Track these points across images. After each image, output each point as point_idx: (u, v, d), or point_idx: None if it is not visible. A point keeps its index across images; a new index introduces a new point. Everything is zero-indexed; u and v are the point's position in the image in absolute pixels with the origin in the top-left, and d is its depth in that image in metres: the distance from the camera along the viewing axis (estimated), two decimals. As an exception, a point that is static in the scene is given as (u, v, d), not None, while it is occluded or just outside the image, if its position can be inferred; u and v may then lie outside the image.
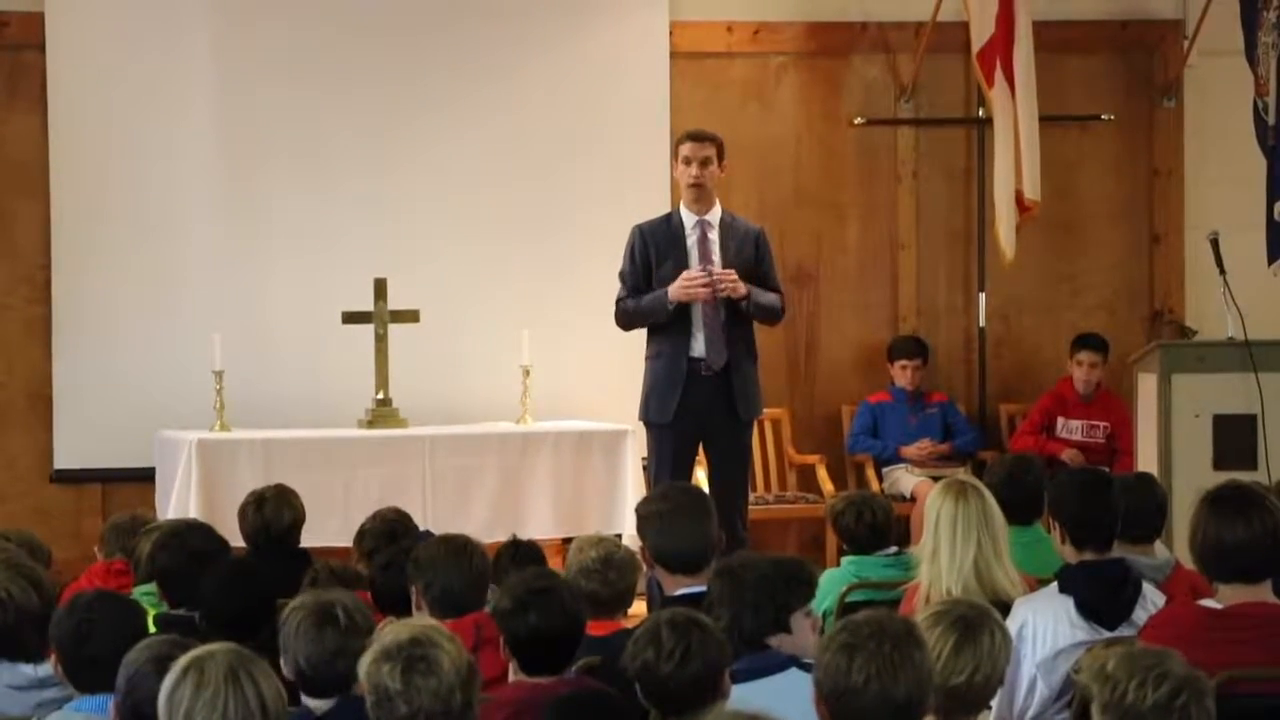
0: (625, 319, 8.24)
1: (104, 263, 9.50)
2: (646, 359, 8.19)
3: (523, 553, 5.82)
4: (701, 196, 8.14)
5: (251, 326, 9.46)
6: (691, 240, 8.15)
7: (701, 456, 8.27)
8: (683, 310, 8.03)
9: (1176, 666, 3.63)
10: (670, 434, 8.05)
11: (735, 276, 8.01)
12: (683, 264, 8.09)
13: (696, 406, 8.02)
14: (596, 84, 9.90)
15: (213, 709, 3.39)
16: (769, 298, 8.14)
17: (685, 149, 8.17)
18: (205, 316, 9.33)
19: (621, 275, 8.23)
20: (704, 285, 7.97)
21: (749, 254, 8.16)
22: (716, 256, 8.12)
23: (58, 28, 9.47)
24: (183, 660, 3.46)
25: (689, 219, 8.18)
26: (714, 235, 8.15)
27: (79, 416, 9.48)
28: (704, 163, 8.11)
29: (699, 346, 8.05)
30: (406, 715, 3.72)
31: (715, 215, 8.19)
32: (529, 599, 4.46)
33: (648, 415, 8.16)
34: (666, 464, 8.03)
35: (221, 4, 9.59)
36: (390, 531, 6.37)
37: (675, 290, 8.01)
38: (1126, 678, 3.63)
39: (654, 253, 8.14)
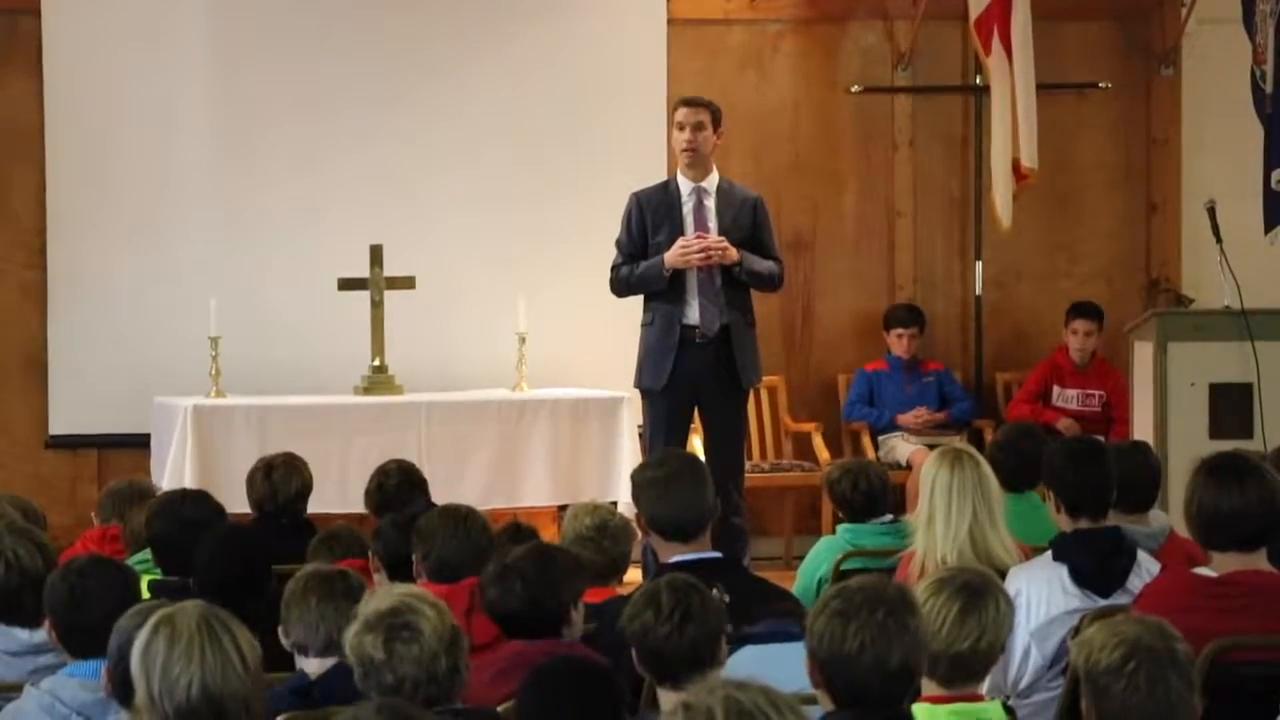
0: (621, 286, 8.22)
1: (100, 228, 9.49)
2: (641, 326, 8.18)
3: (522, 535, 5.85)
4: (695, 162, 8.11)
5: (248, 293, 9.45)
6: (687, 207, 8.12)
7: (697, 424, 8.26)
8: (677, 277, 8.01)
9: (1144, 635, 3.63)
10: (664, 401, 8.04)
11: (726, 243, 8.00)
12: (678, 231, 8.07)
13: (691, 373, 8.01)
14: (594, 51, 9.87)
15: (189, 659, 3.35)
16: (764, 265, 8.12)
17: (679, 114, 8.15)
18: (202, 282, 9.32)
19: (618, 243, 8.21)
20: (698, 252, 7.96)
21: (746, 221, 8.14)
22: (712, 224, 8.10)
23: (53, -8, 9.46)
24: (152, 619, 3.42)
25: (685, 186, 8.15)
26: (710, 202, 8.13)
27: (75, 382, 9.48)
28: (697, 128, 8.08)
29: (692, 313, 8.03)
30: (393, 684, 3.71)
31: (712, 182, 8.17)
32: (495, 577, 4.47)
33: (642, 382, 8.14)
34: (661, 431, 8.02)
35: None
36: (395, 495, 6.37)
37: (670, 257, 8.00)
38: (1098, 643, 3.65)
39: (650, 220, 8.12)
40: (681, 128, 8.10)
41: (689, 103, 8.18)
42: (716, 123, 8.14)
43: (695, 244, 7.99)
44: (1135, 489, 5.61)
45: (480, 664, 4.21)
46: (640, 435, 8.69)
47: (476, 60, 9.76)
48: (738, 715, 2.72)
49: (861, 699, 3.60)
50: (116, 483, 6.90)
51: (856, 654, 3.58)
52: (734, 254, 7.99)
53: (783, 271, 8.26)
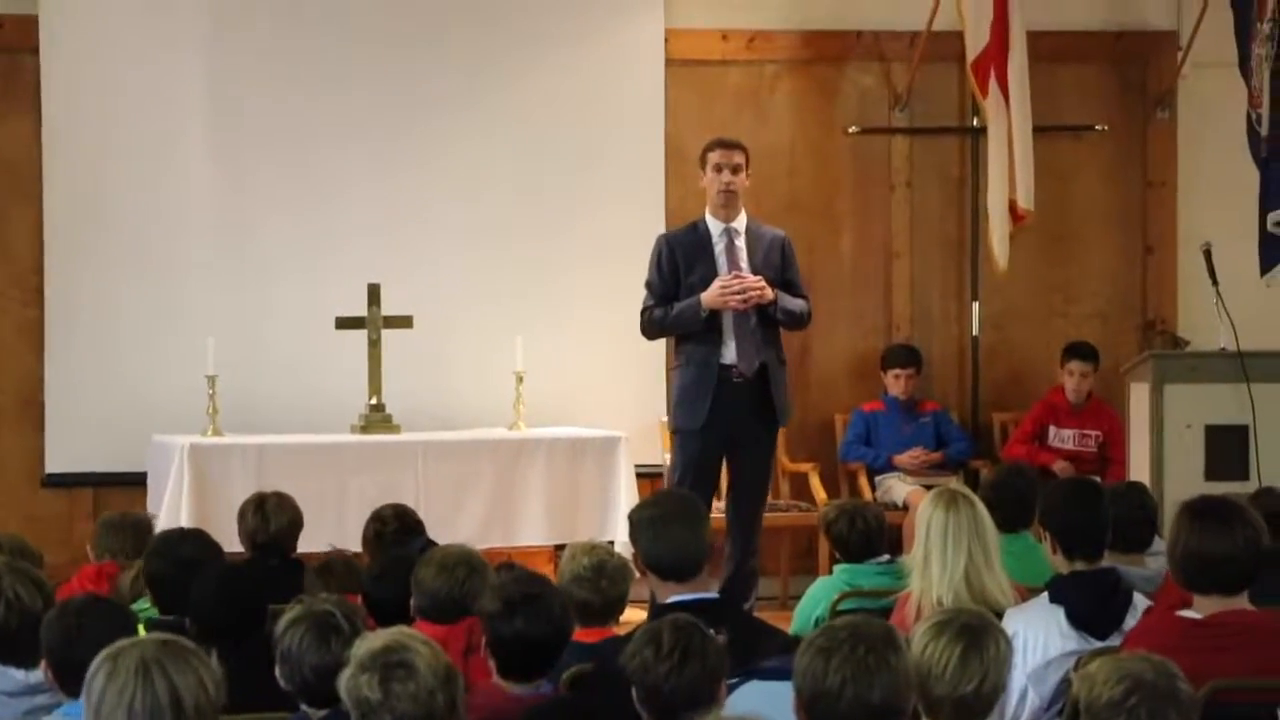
0: (654, 328, 8.21)
1: (97, 266, 9.50)
2: (674, 368, 8.20)
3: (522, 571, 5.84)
4: (730, 203, 8.13)
5: (245, 331, 9.46)
6: (719, 248, 8.14)
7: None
8: (712, 317, 8.02)
9: (1147, 672, 3.64)
10: (699, 440, 8.03)
11: (764, 283, 8.02)
12: (711, 272, 8.07)
13: (728, 413, 8.01)
14: (592, 91, 9.90)
15: (119, 700, 3.35)
16: (796, 303, 8.16)
17: (715, 156, 8.15)
18: (199, 321, 9.33)
19: (648, 284, 8.19)
20: (738, 293, 7.97)
21: (776, 260, 8.18)
22: (744, 263, 8.11)
23: (52, 31, 9.47)
24: (107, 649, 3.43)
25: (715, 227, 8.17)
26: (740, 242, 8.15)
27: (71, 420, 9.47)
28: (735, 170, 8.12)
29: (730, 353, 8.04)
30: None
31: (741, 222, 8.19)
32: (518, 603, 4.45)
33: (676, 423, 8.13)
34: (691, 470, 8.01)
35: (216, 9, 9.59)
36: (393, 541, 6.36)
37: (709, 297, 7.99)
38: (1101, 678, 3.66)
39: (682, 261, 8.13)
40: (720, 169, 8.11)
41: (725, 144, 8.19)
42: (748, 163, 8.20)
43: (735, 284, 7.98)
44: (1131, 530, 5.62)
45: (471, 706, 4.19)
46: (662, 474, 8.66)
47: (476, 100, 9.79)
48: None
49: (844, 737, 3.60)
50: (110, 514, 6.88)
51: (838, 690, 3.58)
52: (770, 294, 8.01)
53: (810, 309, 8.28)
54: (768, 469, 8.35)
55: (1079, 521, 5.27)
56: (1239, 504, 4.81)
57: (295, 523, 6.54)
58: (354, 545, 7.25)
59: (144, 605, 5.67)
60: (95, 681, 3.39)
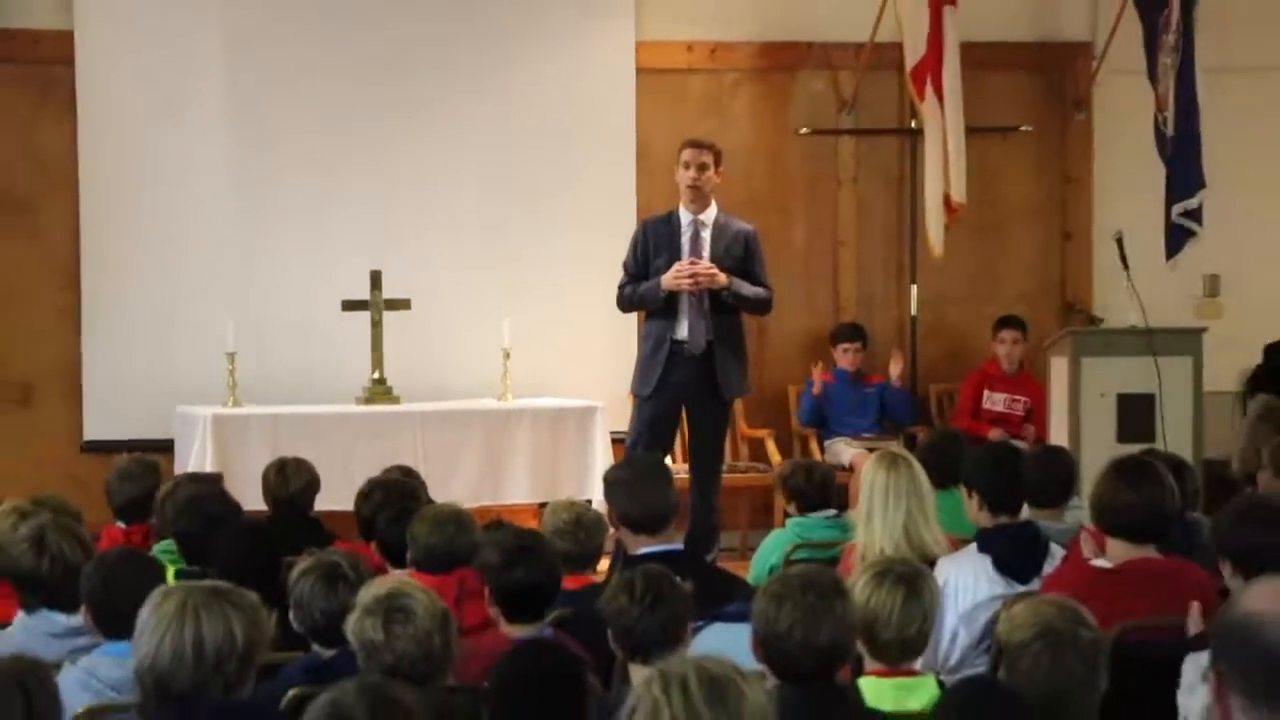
0: (625, 303, 8.36)
1: (128, 255, 9.50)
2: (641, 339, 8.31)
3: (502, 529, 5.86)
4: (697, 198, 8.20)
5: (261, 313, 9.47)
6: (685, 237, 8.22)
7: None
8: (672, 297, 8.12)
9: (1055, 618, 3.68)
10: (649, 406, 8.15)
11: (715, 270, 8.07)
12: (675, 257, 8.17)
13: (678, 384, 8.11)
14: (571, 97, 9.90)
15: (154, 635, 3.40)
16: (752, 290, 8.21)
17: (686, 154, 8.23)
18: (220, 304, 9.34)
19: (624, 265, 8.32)
20: (688, 277, 8.05)
21: (738, 252, 8.23)
22: (706, 252, 8.19)
23: (86, 44, 9.45)
24: (162, 587, 3.48)
25: (685, 218, 8.24)
26: (706, 234, 8.22)
27: (106, 393, 9.48)
28: (701, 168, 8.18)
29: (682, 330, 8.14)
30: (392, 663, 3.73)
31: (710, 215, 8.25)
32: (517, 555, 4.50)
33: (633, 388, 8.27)
34: (643, 431, 8.13)
35: (234, 25, 9.58)
36: (397, 491, 6.38)
37: (666, 279, 8.11)
38: (1017, 621, 3.71)
39: (652, 246, 8.22)
40: (687, 166, 8.19)
41: (694, 144, 8.27)
42: (718, 163, 8.25)
43: (687, 269, 8.07)
44: (1050, 488, 5.67)
45: (470, 653, 4.22)
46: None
47: (467, 103, 9.77)
48: (709, 681, 2.74)
49: (795, 673, 3.65)
50: (121, 462, 6.78)
51: (787, 632, 3.63)
52: (722, 279, 8.08)
53: (771, 297, 8.32)
54: (719, 436, 8.40)
55: (1002, 481, 5.33)
56: (1156, 465, 4.87)
57: (312, 484, 6.56)
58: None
59: (168, 547, 5.70)
60: (143, 613, 3.44)
